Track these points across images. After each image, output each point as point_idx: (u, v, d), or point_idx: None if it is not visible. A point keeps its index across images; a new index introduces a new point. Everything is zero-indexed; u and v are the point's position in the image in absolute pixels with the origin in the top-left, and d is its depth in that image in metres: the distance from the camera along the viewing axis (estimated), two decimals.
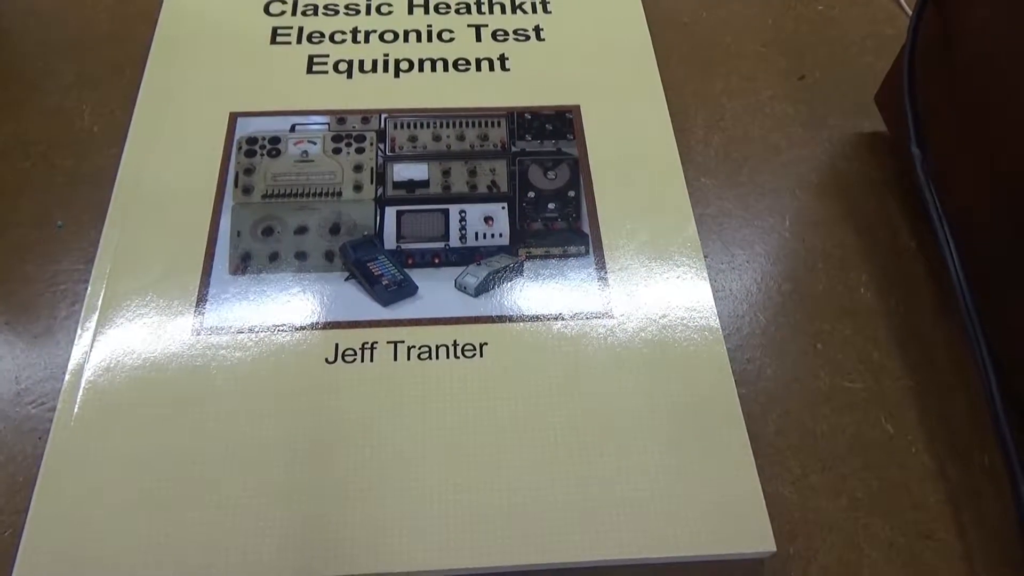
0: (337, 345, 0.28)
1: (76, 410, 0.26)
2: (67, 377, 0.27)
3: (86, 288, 0.30)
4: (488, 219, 0.32)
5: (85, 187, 0.33)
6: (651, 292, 0.30)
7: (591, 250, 0.31)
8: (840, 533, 0.27)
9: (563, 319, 0.29)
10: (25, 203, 0.33)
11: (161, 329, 0.28)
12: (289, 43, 0.37)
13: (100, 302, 0.29)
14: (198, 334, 0.28)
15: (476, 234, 0.31)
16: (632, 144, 0.34)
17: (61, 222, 0.32)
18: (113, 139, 0.35)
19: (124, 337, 0.28)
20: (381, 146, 0.33)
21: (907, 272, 0.33)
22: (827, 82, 0.39)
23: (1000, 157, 0.28)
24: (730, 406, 0.27)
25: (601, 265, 0.31)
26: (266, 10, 0.38)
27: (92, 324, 0.28)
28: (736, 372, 0.29)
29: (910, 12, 0.41)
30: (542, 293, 0.30)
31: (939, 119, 0.31)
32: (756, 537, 0.25)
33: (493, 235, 0.31)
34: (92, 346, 0.28)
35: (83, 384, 0.27)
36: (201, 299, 0.29)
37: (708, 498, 0.26)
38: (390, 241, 0.31)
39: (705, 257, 0.32)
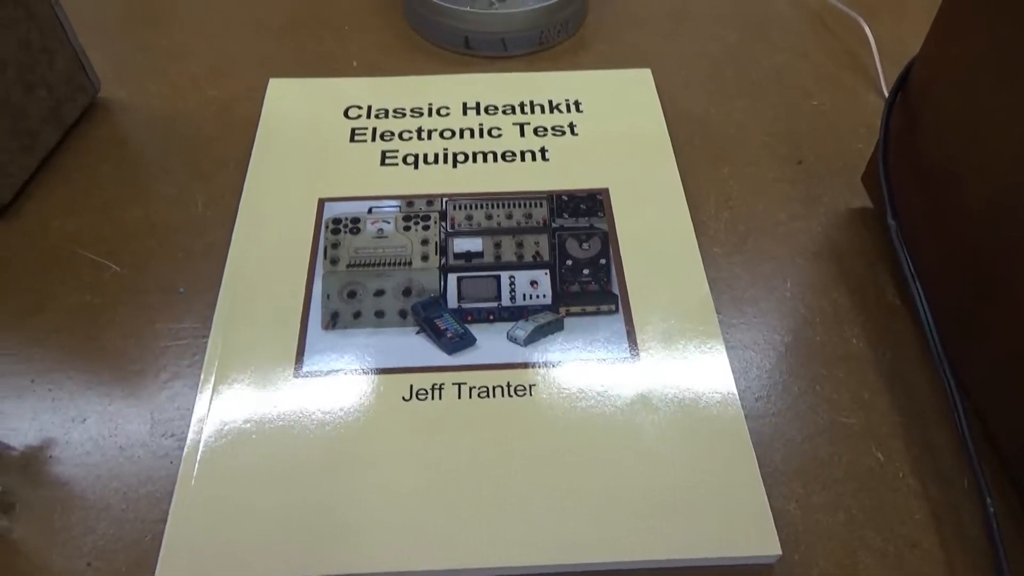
0: (411, 386, 0.34)
1: (203, 438, 0.33)
2: (194, 413, 0.34)
3: (205, 342, 0.37)
4: (533, 283, 0.38)
5: (201, 260, 0.40)
6: (671, 343, 0.36)
7: (620, 308, 0.37)
8: (838, 542, 0.31)
9: (599, 365, 0.35)
10: (153, 273, 0.40)
11: (269, 373, 0.35)
12: (365, 141, 0.44)
13: (219, 352, 0.35)
14: (298, 377, 0.34)
15: (524, 295, 0.37)
16: (653, 220, 0.41)
17: (183, 288, 0.39)
18: (223, 221, 0.42)
19: (239, 381, 0.34)
20: (443, 224, 0.40)
21: (892, 325, 0.38)
22: (821, 166, 0.45)
23: (957, 224, 0.33)
24: (740, 433, 0.33)
25: (629, 320, 0.37)
26: (345, 114, 0.46)
27: (213, 370, 0.35)
28: (746, 408, 0.34)
29: None
30: (580, 343, 0.36)
31: (910, 194, 0.37)
32: (764, 542, 0.30)
33: (538, 296, 0.37)
34: (214, 388, 0.34)
35: (208, 419, 0.33)
36: (300, 350, 0.35)
37: (721, 509, 0.31)
38: (452, 301, 0.37)
39: (718, 313, 0.38)
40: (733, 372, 0.35)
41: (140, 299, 0.39)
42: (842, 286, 0.40)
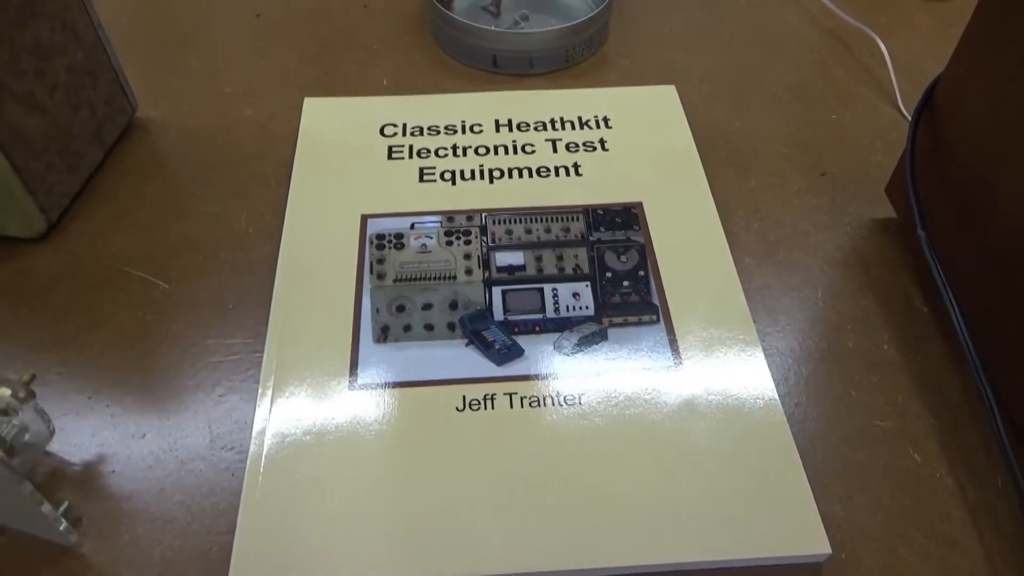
0: (464, 396, 0.35)
1: (265, 450, 0.34)
2: (254, 425, 0.34)
3: (258, 356, 0.38)
4: (576, 295, 0.39)
5: (247, 276, 0.41)
6: (712, 351, 0.37)
7: (661, 318, 0.38)
8: (882, 542, 0.33)
9: (643, 373, 0.36)
10: (201, 290, 0.41)
11: (325, 387, 0.36)
12: (402, 158, 0.46)
13: (275, 366, 0.36)
14: (354, 389, 0.36)
15: (567, 307, 0.39)
16: (687, 232, 0.42)
17: (232, 304, 0.40)
18: (267, 237, 0.43)
19: (296, 393, 0.35)
20: (484, 238, 0.41)
21: (921, 330, 0.39)
22: (844, 177, 0.46)
23: (989, 233, 0.35)
24: (784, 437, 0.34)
25: (670, 330, 0.38)
26: (381, 132, 0.47)
27: (271, 383, 0.36)
28: (787, 413, 0.36)
29: (908, 118, 0.50)
30: (625, 353, 0.37)
31: (938, 205, 0.38)
32: (814, 542, 0.31)
33: (581, 308, 0.39)
34: (272, 401, 0.35)
35: (268, 431, 0.34)
36: (353, 363, 0.36)
37: (771, 511, 0.32)
38: (498, 314, 0.38)
39: (754, 322, 0.39)
40: (773, 378, 0.36)
41: (190, 315, 0.40)
42: (870, 294, 0.41)
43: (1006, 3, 0.33)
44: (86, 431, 0.36)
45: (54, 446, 0.35)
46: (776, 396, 0.35)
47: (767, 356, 0.38)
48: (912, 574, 0.32)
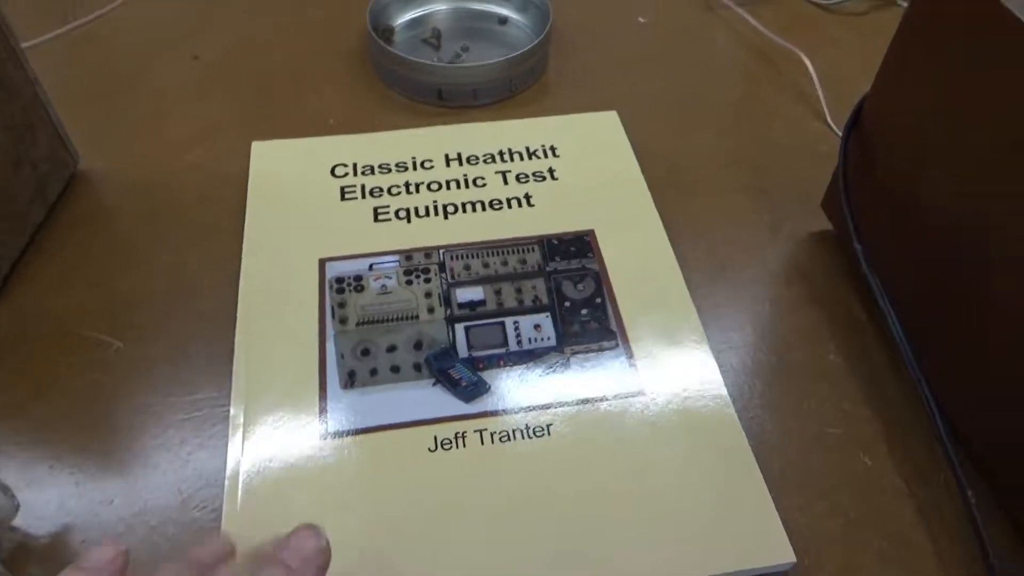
0: (435, 437, 0.36)
1: (239, 506, 0.34)
2: (226, 482, 0.34)
3: (223, 411, 0.38)
4: (537, 326, 0.40)
5: (207, 327, 0.41)
6: (672, 372, 0.38)
7: (620, 343, 0.40)
8: (842, 546, 0.34)
9: (607, 399, 0.37)
10: (158, 345, 0.40)
11: (295, 437, 0.36)
12: (356, 198, 0.46)
13: (243, 420, 0.36)
14: (325, 438, 0.36)
15: (529, 339, 0.40)
16: (639, 255, 0.43)
17: (192, 359, 0.40)
18: (223, 286, 0.43)
19: (266, 447, 0.35)
20: (444, 275, 0.42)
21: (863, 338, 0.42)
22: (782, 193, 0.49)
23: (919, 244, 0.37)
24: (744, 453, 0.36)
25: (630, 354, 0.39)
26: (332, 172, 0.47)
27: (239, 438, 0.36)
28: (744, 428, 0.37)
29: (837, 132, 0.52)
30: (589, 381, 0.38)
31: (871, 218, 0.41)
32: (779, 552, 0.33)
33: (543, 339, 0.40)
34: (243, 456, 0.35)
35: (241, 488, 0.34)
36: (322, 411, 0.37)
37: (737, 525, 0.33)
38: (463, 351, 0.39)
39: (708, 340, 0.41)
40: (729, 395, 0.38)
41: (149, 373, 0.39)
42: (815, 306, 0.43)
43: (922, 29, 0.36)
44: (51, 501, 0.35)
45: (19, 520, 0.34)
46: (733, 412, 0.37)
47: (723, 373, 0.39)
48: (871, 574, 0.33)
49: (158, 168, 0.49)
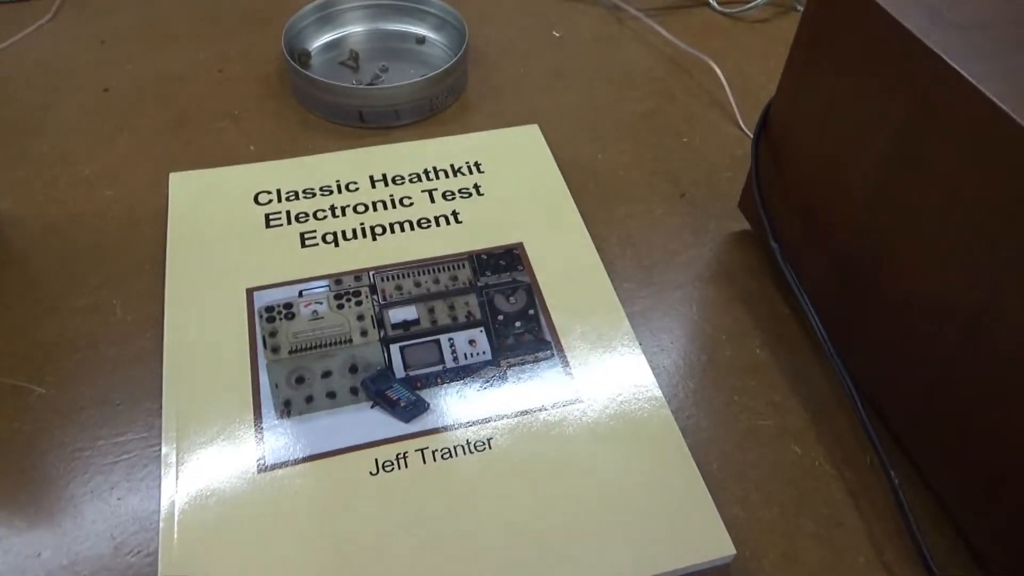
0: (376, 460, 0.36)
1: (174, 551, 0.33)
2: (160, 526, 0.33)
3: (155, 451, 0.37)
4: (472, 341, 0.40)
5: (133, 368, 0.40)
6: (607, 378, 0.39)
7: (555, 353, 0.40)
8: (779, 534, 0.36)
9: (546, 409, 0.38)
10: (82, 389, 0.39)
11: (232, 472, 0.35)
12: (281, 225, 0.45)
13: (175, 459, 0.35)
14: (263, 471, 0.35)
15: (465, 354, 0.40)
16: (568, 265, 0.44)
17: (118, 400, 0.39)
18: (148, 325, 0.41)
19: (203, 484, 0.35)
20: (375, 297, 0.42)
21: (786, 332, 0.43)
22: (701, 196, 0.50)
23: (828, 239, 0.39)
24: (681, 452, 0.36)
25: (565, 363, 0.40)
26: (255, 200, 0.47)
27: (173, 478, 0.35)
28: (680, 427, 0.38)
29: (749, 135, 0.54)
30: (526, 392, 0.38)
31: (784, 216, 0.43)
32: (719, 546, 0.34)
33: (478, 353, 0.40)
34: (177, 498, 0.34)
35: (177, 529, 0.33)
36: (259, 442, 0.36)
37: (677, 523, 0.34)
38: (399, 371, 0.39)
39: (640, 344, 0.42)
40: (664, 396, 0.39)
41: (74, 418, 0.38)
42: (739, 303, 0.45)
43: (816, 34, 0.38)
44: None
45: None
46: (669, 412, 0.38)
47: (656, 375, 0.40)
48: (809, 558, 0.35)
49: (72, 207, 0.47)
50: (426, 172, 0.49)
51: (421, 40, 0.60)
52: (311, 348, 0.40)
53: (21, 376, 0.39)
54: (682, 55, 0.61)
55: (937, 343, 0.33)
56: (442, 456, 0.36)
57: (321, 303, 0.42)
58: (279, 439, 0.36)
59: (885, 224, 0.35)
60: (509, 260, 0.44)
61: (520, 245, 0.45)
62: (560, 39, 0.62)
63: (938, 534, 0.36)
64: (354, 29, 0.60)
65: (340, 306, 0.41)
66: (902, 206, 0.34)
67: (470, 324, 0.41)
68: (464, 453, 0.36)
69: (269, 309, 0.41)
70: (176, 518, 0.33)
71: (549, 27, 0.64)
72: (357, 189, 0.48)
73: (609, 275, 0.44)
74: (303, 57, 0.57)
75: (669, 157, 0.53)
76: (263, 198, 0.47)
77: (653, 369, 0.41)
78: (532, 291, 0.43)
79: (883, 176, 0.35)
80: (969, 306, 0.31)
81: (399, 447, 0.36)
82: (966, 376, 0.32)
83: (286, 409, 0.37)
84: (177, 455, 0.35)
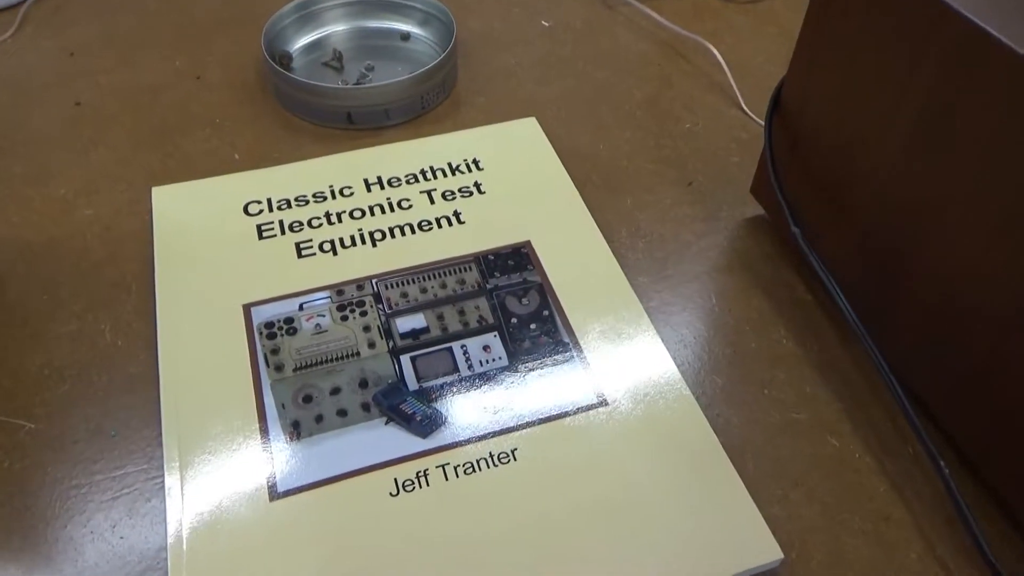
0: (396, 479, 0.34)
1: None
2: (170, 563, 0.31)
3: (157, 484, 0.34)
4: (486, 347, 0.38)
5: (126, 395, 0.37)
6: (631, 377, 0.37)
7: (575, 354, 0.38)
8: (824, 532, 0.34)
9: (570, 414, 0.36)
10: (75, 421, 0.36)
11: (242, 502, 0.33)
12: (275, 235, 0.43)
13: (181, 491, 0.33)
14: (275, 499, 0.33)
15: (480, 361, 0.38)
16: (580, 261, 0.42)
17: (114, 431, 0.36)
18: (140, 348, 0.39)
19: (212, 516, 0.32)
20: (380, 306, 0.40)
21: (810, 319, 0.42)
22: (710, 183, 0.49)
23: (854, 218, 0.37)
24: (716, 452, 0.35)
25: (586, 365, 0.38)
26: (245, 211, 0.44)
27: (180, 512, 0.32)
28: (712, 426, 0.36)
29: (756, 119, 0.53)
30: (548, 397, 0.36)
31: (802, 199, 0.41)
32: (765, 551, 0.32)
33: (494, 359, 0.38)
34: (187, 535, 0.32)
35: (186, 567, 0.31)
36: (269, 469, 0.34)
37: (720, 529, 0.32)
38: (412, 383, 0.37)
39: (662, 341, 0.40)
40: (692, 394, 0.37)
41: (68, 452, 0.35)
42: (759, 292, 0.43)
43: (828, 8, 0.36)
44: None
45: None
46: (700, 412, 0.36)
47: (682, 372, 0.38)
48: (859, 556, 0.33)
49: (51, 228, 0.45)
50: (423, 172, 0.47)
51: (406, 36, 0.58)
52: (317, 364, 0.37)
53: (8, 412, 0.37)
54: (676, 39, 0.59)
55: (982, 324, 0.32)
56: (465, 471, 0.34)
57: (324, 316, 0.39)
58: (290, 463, 0.34)
59: (917, 201, 0.34)
60: (518, 260, 0.42)
61: (528, 243, 0.43)
62: (549, 28, 0.60)
63: (987, 524, 0.34)
64: (336, 28, 0.58)
65: (344, 318, 0.39)
66: (935, 181, 0.32)
67: (483, 329, 0.39)
68: (488, 467, 0.34)
69: (269, 325, 0.39)
70: (185, 555, 0.31)
71: (537, 16, 0.62)
72: (352, 194, 0.45)
73: (622, 269, 0.42)
74: (284, 59, 0.55)
75: (673, 144, 0.51)
76: (253, 208, 0.44)
77: (678, 365, 0.39)
78: (544, 291, 0.41)
79: (911, 151, 0.33)
80: (1017, 283, 0.30)
81: (419, 464, 0.34)
82: (1018, 357, 0.31)
83: (295, 431, 0.35)
84: (182, 486, 0.33)
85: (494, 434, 0.35)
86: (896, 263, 0.36)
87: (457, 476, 0.34)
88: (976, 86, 0.29)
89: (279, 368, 0.37)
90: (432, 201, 0.45)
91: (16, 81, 0.54)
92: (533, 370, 0.38)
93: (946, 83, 0.31)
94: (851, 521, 0.34)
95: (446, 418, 0.36)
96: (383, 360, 0.38)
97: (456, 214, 0.44)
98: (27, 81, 0.54)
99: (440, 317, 0.39)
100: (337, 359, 0.38)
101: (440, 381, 0.37)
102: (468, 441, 0.35)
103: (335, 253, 0.42)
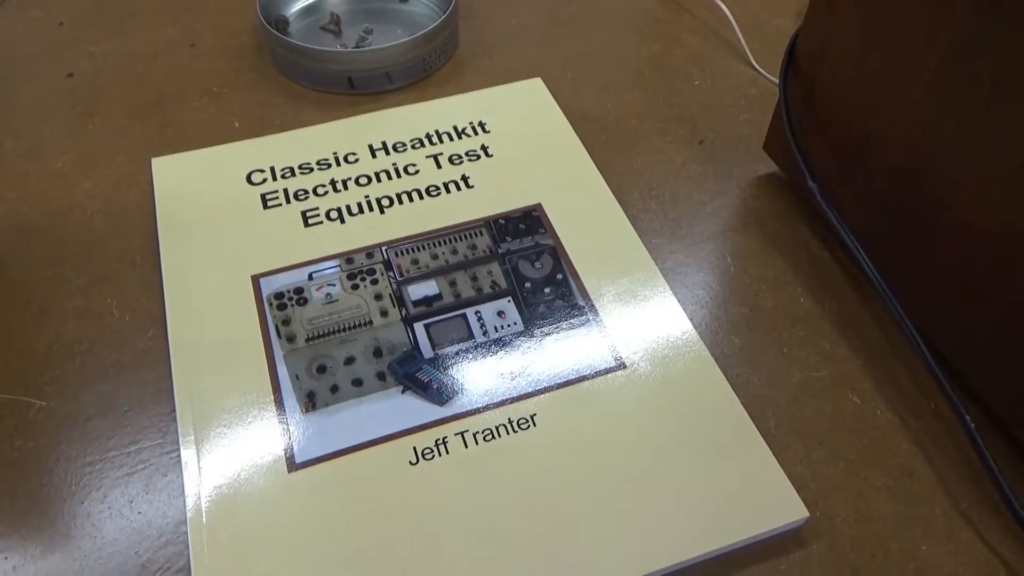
0: (415, 448, 0.33)
1: (208, 563, 0.30)
2: (189, 539, 0.31)
3: (173, 458, 0.34)
4: (500, 313, 0.38)
5: (138, 371, 0.37)
6: (649, 339, 0.37)
7: (591, 317, 0.38)
8: (848, 490, 0.34)
9: (589, 378, 0.35)
10: (86, 398, 0.36)
11: (260, 474, 0.32)
12: (280, 204, 0.42)
13: (198, 466, 0.32)
14: (293, 472, 0.32)
15: (495, 327, 0.37)
16: (592, 223, 0.41)
17: (127, 406, 0.36)
18: (148, 323, 0.38)
19: (230, 489, 0.32)
20: (391, 274, 0.39)
21: (827, 276, 0.41)
22: (721, 141, 0.48)
23: (873, 173, 0.37)
24: (738, 413, 0.34)
25: (603, 328, 0.37)
26: (248, 180, 0.43)
27: (197, 486, 0.32)
28: (733, 387, 0.36)
29: (766, 74, 0.51)
30: (566, 361, 0.36)
31: (818, 155, 0.40)
32: (790, 510, 0.31)
33: (509, 325, 0.37)
34: (206, 509, 0.31)
35: (206, 540, 0.30)
36: (286, 442, 0.33)
37: (745, 491, 0.32)
38: (427, 351, 0.36)
39: (678, 301, 0.39)
40: (713, 356, 0.37)
41: (81, 430, 0.35)
42: (774, 250, 0.42)
43: None
44: None
45: None
46: (719, 372, 0.36)
47: (699, 333, 0.38)
48: (884, 513, 0.33)
49: (49, 203, 0.44)
50: (428, 137, 0.46)
51: None
52: (329, 334, 0.37)
53: (17, 390, 0.36)
54: None
55: (1009, 276, 0.31)
56: (484, 438, 0.33)
57: (334, 285, 0.38)
58: (307, 434, 0.33)
59: (943, 152, 0.33)
60: (529, 223, 0.41)
61: (539, 206, 0.42)
62: None
63: (1014, 478, 0.34)
64: None
65: (355, 286, 0.38)
66: (963, 130, 0.31)
67: (496, 294, 0.38)
68: (508, 433, 0.34)
69: (279, 296, 0.38)
70: (205, 528, 0.31)
71: None
72: (357, 160, 0.44)
73: (636, 230, 0.41)
74: (280, 24, 0.53)
75: (682, 102, 0.50)
76: (256, 177, 0.43)
77: (695, 326, 0.38)
78: (557, 254, 0.40)
79: (939, 95, 0.32)
80: None
81: (437, 432, 0.34)
82: None
83: (310, 402, 0.34)
84: (199, 460, 0.33)
85: (512, 400, 0.35)
86: (920, 215, 0.35)
87: (477, 443, 0.33)
88: (1011, 21, 0.28)
89: (291, 339, 0.36)
90: (439, 165, 0.44)
91: (4, 53, 0.53)
92: (549, 335, 0.37)
93: (979, 17, 0.30)
94: (875, 478, 0.34)
95: (463, 385, 0.35)
96: (396, 328, 0.37)
97: (464, 178, 0.44)
98: (16, 52, 0.53)
99: (452, 283, 0.39)
100: (350, 328, 0.37)
101: (455, 348, 0.36)
102: (486, 408, 0.34)
103: (343, 221, 0.41)
